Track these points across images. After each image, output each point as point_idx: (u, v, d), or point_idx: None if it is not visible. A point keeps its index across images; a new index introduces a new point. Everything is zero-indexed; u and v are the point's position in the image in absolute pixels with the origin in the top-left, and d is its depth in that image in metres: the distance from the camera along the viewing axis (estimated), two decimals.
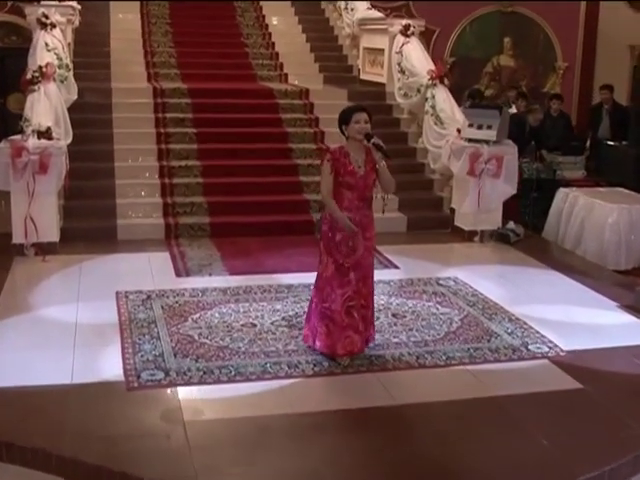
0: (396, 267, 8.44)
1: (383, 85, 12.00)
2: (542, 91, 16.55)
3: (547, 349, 6.38)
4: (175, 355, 5.94)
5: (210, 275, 7.89)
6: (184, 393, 5.39)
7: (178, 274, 7.89)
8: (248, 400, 5.37)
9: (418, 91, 10.86)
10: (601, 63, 17.21)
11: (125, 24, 12.94)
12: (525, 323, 6.91)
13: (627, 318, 7.23)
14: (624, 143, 12.01)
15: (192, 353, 5.99)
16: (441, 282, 7.92)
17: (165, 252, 8.61)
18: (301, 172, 10.33)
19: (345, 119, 5.62)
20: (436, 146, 10.29)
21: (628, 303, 7.59)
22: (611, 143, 12.16)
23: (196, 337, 6.30)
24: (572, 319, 7.11)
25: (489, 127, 9.42)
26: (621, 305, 7.55)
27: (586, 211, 9.86)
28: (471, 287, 7.82)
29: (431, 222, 10.10)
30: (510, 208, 10.14)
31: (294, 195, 9.99)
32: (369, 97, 11.85)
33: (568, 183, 11.22)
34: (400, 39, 11.44)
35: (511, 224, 9.76)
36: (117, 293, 7.23)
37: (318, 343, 5.85)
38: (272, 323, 6.66)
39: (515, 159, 9.60)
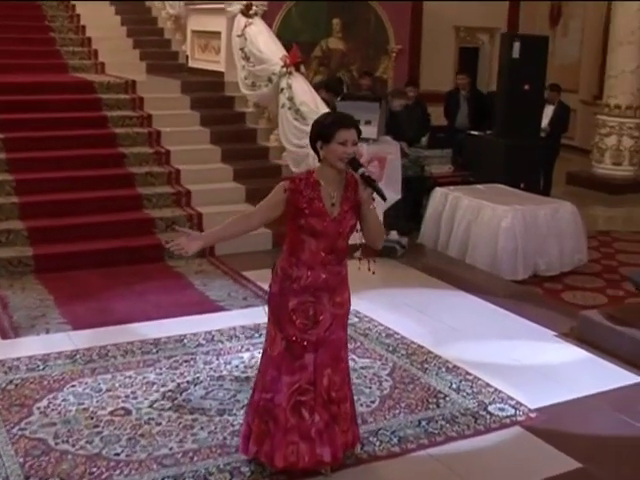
0: None
1: (221, 74, 10.29)
2: (375, 75, 15.33)
3: (512, 410, 5.01)
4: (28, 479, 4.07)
5: (47, 332, 5.95)
6: None
7: (4, 334, 5.89)
8: None
9: (269, 80, 9.24)
10: (427, 45, 16.29)
11: None
12: (467, 373, 5.51)
13: (574, 352, 6.03)
14: (489, 133, 10.92)
15: (52, 473, 4.12)
16: None
17: None
18: (138, 183, 8.48)
19: (324, 134, 3.82)
20: (298, 145, 8.74)
21: (565, 331, 6.42)
22: (475, 133, 11.05)
23: (51, 442, 4.42)
24: (516, 360, 5.81)
25: (368, 123, 7.98)
26: (559, 334, 6.36)
27: (472, 214, 8.60)
28: (380, 323, 6.36)
29: None
30: None
31: (133, 212, 8.14)
32: (205, 88, 10.21)
33: (436, 180, 10.01)
34: (242, 20, 9.75)
35: (394, 234, 8.37)
36: None
37: (252, 447, 4.09)
38: (151, 406, 4.87)
39: (398, 159, 8.24)
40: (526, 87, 10.37)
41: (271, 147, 9.51)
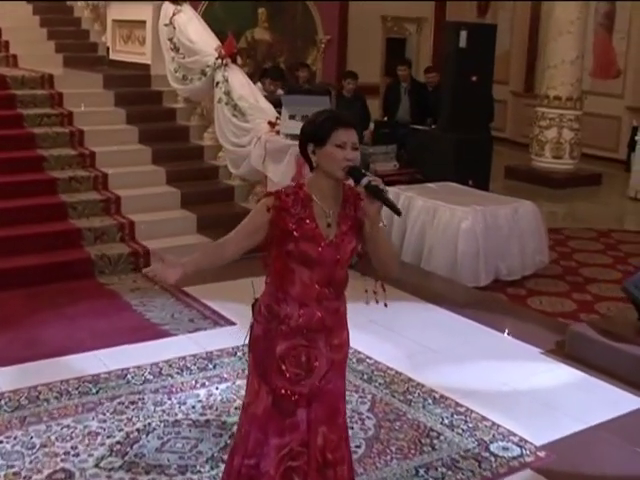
0: (231, 322, 6.04)
1: (147, 67, 9.42)
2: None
3: (517, 449, 4.37)
4: None
5: None
6: None
7: None
8: None
9: (203, 73, 8.44)
10: (354, 35, 15.64)
11: None
12: (457, 404, 4.85)
13: (567, 372, 5.44)
14: (434, 127, 10.30)
15: None
16: None
17: None
18: (61, 189, 7.58)
19: (317, 135, 3.04)
20: (238, 144, 7.98)
21: (550, 347, 5.82)
22: (419, 127, 10.41)
23: None
24: (506, 384, 5.18)
25: None
26: (545, 351, 5.76)
27: (427, 216, 7.92)
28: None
29: None
30: None
31: (57, 223, 7.24)
32: (130, 82, 9.33)
33: (383, 179, 9.30)
34: (169, 8, 8.91)
35: None
36: None
37: None
38: (98, 464, 4.05)
39: None
40: (473, 78, 9.78)
41: (206, 146, 8.71)
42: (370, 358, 5.45)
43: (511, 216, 7.91)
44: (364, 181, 2.97)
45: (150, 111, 8.97)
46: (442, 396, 4.93)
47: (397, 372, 5.25)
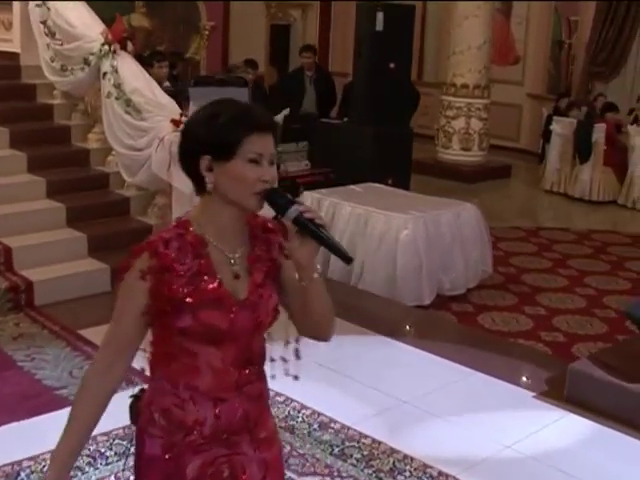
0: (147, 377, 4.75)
1: (15, 55, 7.95)
2: (186, 56, 13.32)
3: None
4: None
5: None
6: None
7: None
8: None
9: (86, 62, 7.07)
10: (236, 21, 14.45)
11: None
12: None
13: (577, 423, 4.50)
14: (346, 120, 9.23)
15: None
16: None
17: None
18: None
19: (220, 144, 1.91)
20: (133, 147, 6.68)
21: (544, 389, 4.86)
22: (330, 121, 9.32)
23: None
24: (509, 446, 4.17)
25: None
26: (539, 394, 4.77)
27: (358, 224, 6.85)
28: (302, 404, 4.44)
29: None
30: None
31: None
32: None
33: (295, 181, 8.23)
34: None
35: None
36: None
37: None
38: None
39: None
40: (391, 65, 8.75)
41: (92, 149, 7.35)
42: (335, 421, 4.28)
43: (454, 222, 7.00)
44: (291, 212, 1.90)
45: (21, 109, 7.54)
46: (440, 473, 3.83)
47: (374, 440, 4.10)
